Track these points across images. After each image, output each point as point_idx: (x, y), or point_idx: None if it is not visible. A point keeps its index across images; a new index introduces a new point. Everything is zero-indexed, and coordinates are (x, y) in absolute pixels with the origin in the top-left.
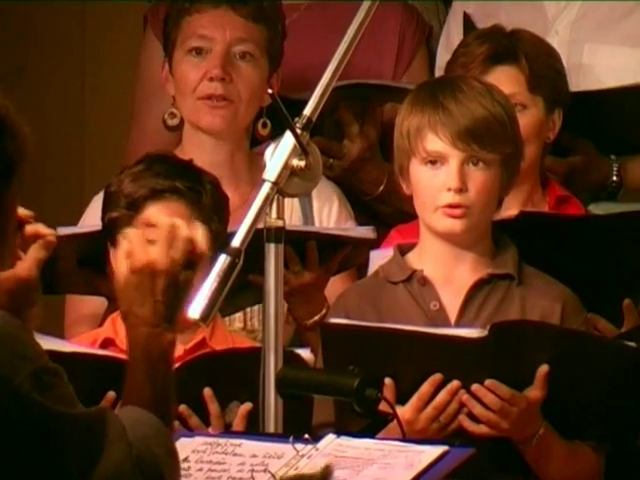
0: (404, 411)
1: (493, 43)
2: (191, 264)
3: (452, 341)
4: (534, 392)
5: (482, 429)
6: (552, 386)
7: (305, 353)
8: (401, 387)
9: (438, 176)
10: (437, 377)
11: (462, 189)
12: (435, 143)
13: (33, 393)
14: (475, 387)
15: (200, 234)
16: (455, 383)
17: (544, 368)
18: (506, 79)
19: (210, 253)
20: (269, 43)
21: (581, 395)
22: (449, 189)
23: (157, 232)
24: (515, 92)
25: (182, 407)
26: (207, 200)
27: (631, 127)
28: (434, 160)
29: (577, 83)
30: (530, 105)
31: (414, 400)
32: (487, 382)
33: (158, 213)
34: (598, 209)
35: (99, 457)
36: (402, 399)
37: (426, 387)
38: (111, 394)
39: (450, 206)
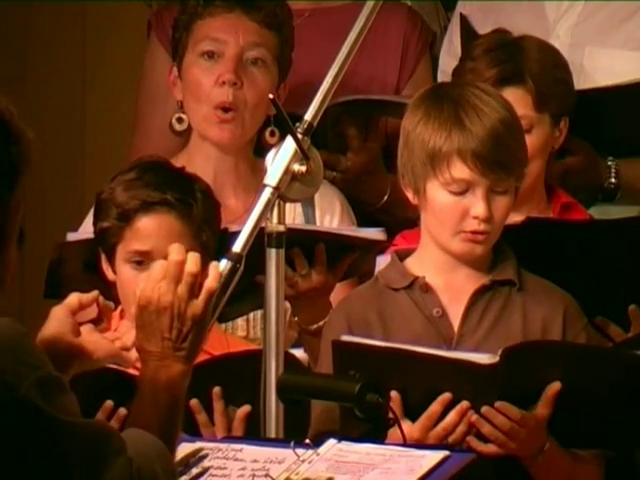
0: (413, 430)
1: (500, 65)
2: (198, 296)
3: (464, 365)
4: (541, 410)
5: (490, 448)
6: (561, 401)
7: (299, 353)
8: (409, 401)
9: (462, 201)
10: (446, 396)
11: (489, 217)
12: (463, 171)
13: (38, 401)
14: (485, 409)
15: (212, 270)
16: (464, 404)
17: (556, 386)
18: (513, 101)
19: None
20: (280, 51)
21: (589, 407)
22: (476, 217)
23: (166, 268)
24: (522, 114)
25: (193, 401)
26: (197, 212)
27: (629, 128)
28: (459, 187)
29: (577, 86)
30: (537, 124)
31: (423, 419)
32: (497, 404)
33: (175, 249)
34: (596, 211)
35: (103, 467)
36: (410, 413)
37: (435, 406)
38: (109, 403)
39: (475, 232)
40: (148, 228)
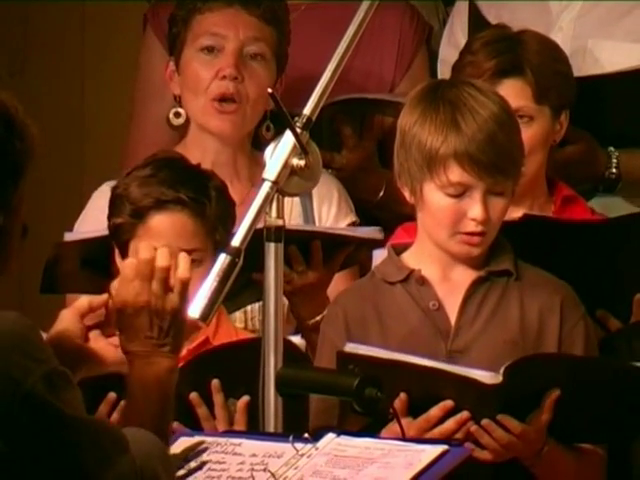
0: (410, 428)
1: (500, 57)
2: (174, 289)
3: (467, 382)
4: (542, 416)
5: (487, 456)
6: (560, 404)
7: (296, 339)
8: (412, 400)
9: (459, 203)
10: (448, 403)
11: (486, 219)
12: (460, 175)
13: (45, 394)
14: (485, 422)
15: (182, 261)
16: (464, 414)
17: (555, 393)
18: (513, 93)
19: (205, 270)
20: (278, 45)
21: (588, 407)
22: (473, 219)
23: (136, 267)
24: (522, 105)
25: (193, 395)
26: (211, 211)
27: (629, 117)
28: (456, 190)
29: None
30: (537, 116)
31: (421, 421)
32: (499, 416)
33: (144, 247)
34: (597, 203)
35: (110, 465)
36: (411, 410)
37: (436, 411)
38: (112, 395)
39: (472, 234)
40: (161, 226)
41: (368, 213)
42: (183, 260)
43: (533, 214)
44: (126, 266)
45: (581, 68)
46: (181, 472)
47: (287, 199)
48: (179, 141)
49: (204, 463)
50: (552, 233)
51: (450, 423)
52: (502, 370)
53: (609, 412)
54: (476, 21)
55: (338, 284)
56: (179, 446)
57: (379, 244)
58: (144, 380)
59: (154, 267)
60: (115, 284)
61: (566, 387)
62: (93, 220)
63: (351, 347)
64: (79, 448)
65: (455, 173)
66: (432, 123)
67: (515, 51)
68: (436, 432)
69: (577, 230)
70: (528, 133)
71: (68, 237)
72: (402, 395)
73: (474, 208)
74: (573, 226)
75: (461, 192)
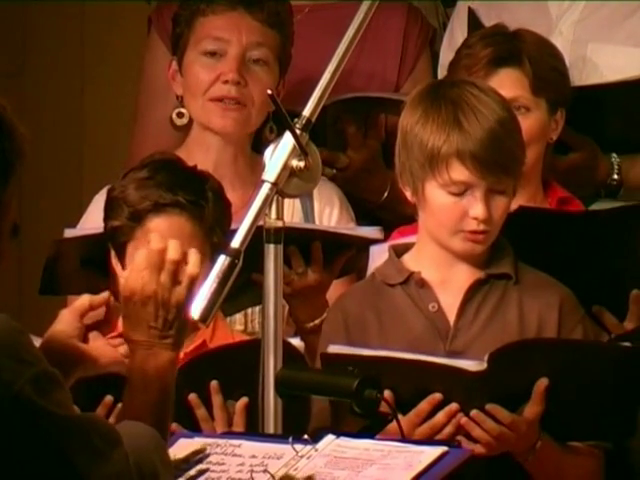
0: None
1: (497, 45)
2: (182, 282)
3: (452, 372)
4: (533, 408)
5: (479, 449)
6: (552, 397)
7: (295, 341)
8: (400, 398)
9: (461, 202)
10: (436, 396)
11: (488, 218)
12: (462, 173)
13: (34, 397)
14: (474, 413)
15: (193, 257)
16: (453, 406)
17: (543, 382)
18: (509, 82)
19: (203, 272)
20: (281, 49)
21: (581, 401)
22: (475, 218)
23: (148, 257)
24: (518, 95)
25: (192, 396)
26: (209, 213)
27: (632, 124)
28: (458, 188)
29: (580, 83)
30: (533, 108)
31: (412, 416)
32: (488, 406)
33: (155, 238)
34: (599, 207)
35: (102, 460)
36: (400, 408)
37: (424, 405)
38: (109, 398)
39: (474, 232)
40: (159, 229)
41: (372, 214)
42: (194, 256)
43: (528, 206)
44: (138, 256)
45: (581, 72)
46: (183, 477)
47: (288, 206)
48: (183, 142)
49: (204, 469)
50: (547, 225)
51: (440, 416)
52: (486, 357)
53: (603, 401)
54: (474, 26)
55: (335, 291)
56: (178, 447)
57: (379, 243)
58: (145, 370)
59: (164, 258)
60: (125, 273)
61: (555, 374)
62: (94, 224)
63: (334, 349)
64: (69, 448)
65: (457, 171)
66: (434, 122)
67: (512, 42)
68: (426, 426)
69: (573, 222)
70: (524, 125)
71: (68, 233)
72: (386, 393)
73: (476, 207)
74: (569, 218)
75: (463, 190)
